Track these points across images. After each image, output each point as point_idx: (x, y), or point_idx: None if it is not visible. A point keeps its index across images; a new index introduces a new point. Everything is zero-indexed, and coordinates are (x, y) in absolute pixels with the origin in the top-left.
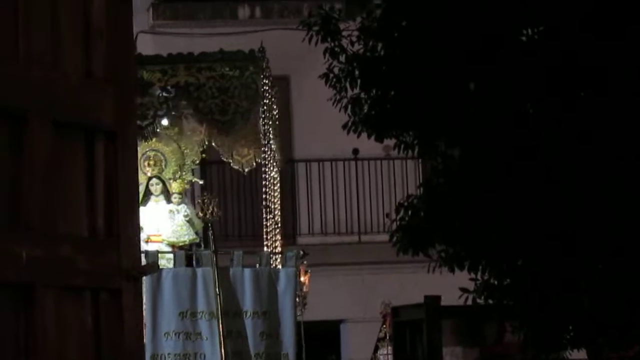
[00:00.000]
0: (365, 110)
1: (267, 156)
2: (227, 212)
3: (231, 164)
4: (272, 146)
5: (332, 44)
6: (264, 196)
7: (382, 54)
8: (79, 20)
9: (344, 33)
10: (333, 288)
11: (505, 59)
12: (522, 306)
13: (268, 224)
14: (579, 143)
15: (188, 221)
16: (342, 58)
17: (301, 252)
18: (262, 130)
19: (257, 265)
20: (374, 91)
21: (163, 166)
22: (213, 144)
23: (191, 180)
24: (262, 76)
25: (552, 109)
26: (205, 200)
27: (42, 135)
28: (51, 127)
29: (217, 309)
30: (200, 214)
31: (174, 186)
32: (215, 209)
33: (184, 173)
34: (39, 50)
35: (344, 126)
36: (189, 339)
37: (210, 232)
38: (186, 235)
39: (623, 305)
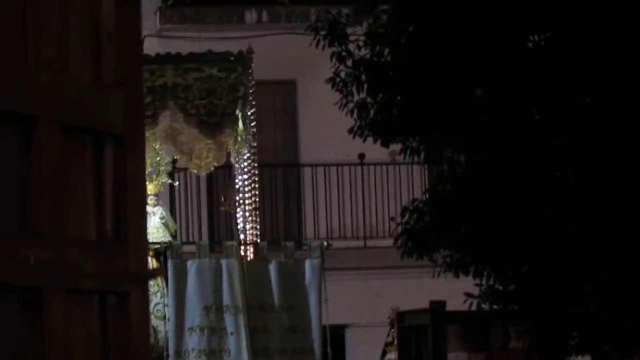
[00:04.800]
0: (372, 115)
1: (252, 159)
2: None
3: (188, 168)
4: (252, 150)
5: (339, 49)
6: (255, 198)
7: (389, 59)
8: (87, 25)
9: (351, 38)
10: (338, 293)
11: (512, 65)
12: (527, 312)
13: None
14: (585, 149)
15: (164, 223)
16: (349, 62)
17: (325, 243)
18: (250, 133)
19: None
20: (381, 96)
21: None
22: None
23: (166, 182)
24: (249, 78)
25: (558, 115)
26: (225, 191)
27: (50, 139)
28: (60, 131)
29: (242, 302)
30: (222, 207)
31: (149, 188)
32: (234, 200)
33: (158, 175)
34: (48, 55)
35: (350, 130)
36: (214, 334)
37: (234, 223)
38: (162, 237)
39: (629, 310)
